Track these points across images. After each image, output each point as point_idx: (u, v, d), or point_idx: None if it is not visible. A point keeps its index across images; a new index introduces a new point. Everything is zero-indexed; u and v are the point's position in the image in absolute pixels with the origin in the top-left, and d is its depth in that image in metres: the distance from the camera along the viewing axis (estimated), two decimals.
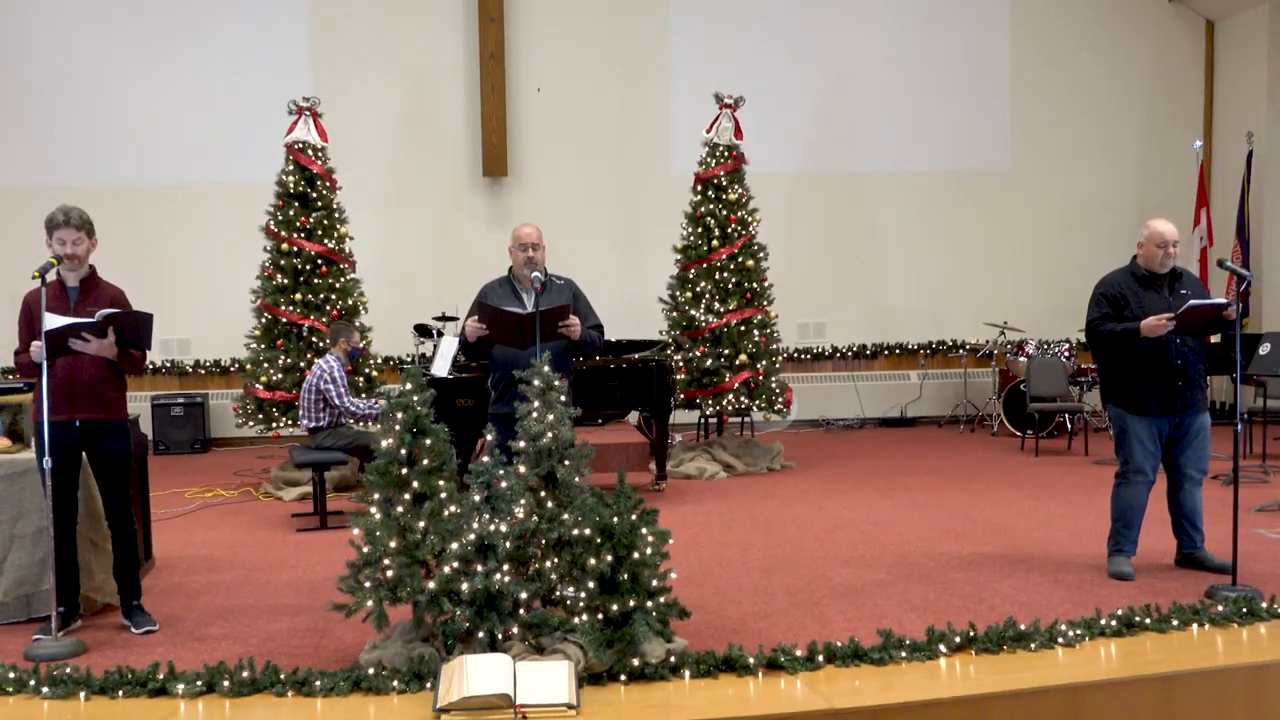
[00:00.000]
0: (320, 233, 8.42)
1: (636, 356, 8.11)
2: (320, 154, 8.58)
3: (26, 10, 10.48)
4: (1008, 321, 10.76)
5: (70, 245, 4.45)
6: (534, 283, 5.21)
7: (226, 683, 3.74)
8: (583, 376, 7.43)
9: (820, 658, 3.91)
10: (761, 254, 8.82)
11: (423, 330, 9.54)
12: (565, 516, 3.85)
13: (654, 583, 3.85)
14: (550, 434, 3.90)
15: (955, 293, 11.49)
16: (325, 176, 8.55)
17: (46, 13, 10.50)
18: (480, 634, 3.77)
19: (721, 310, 8.64)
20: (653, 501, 4.38)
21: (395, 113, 10.91)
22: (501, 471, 3.95)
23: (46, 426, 4.29)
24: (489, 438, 4.37)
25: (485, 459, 4.02)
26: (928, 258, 11.50)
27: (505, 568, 3.81)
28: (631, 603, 3.76)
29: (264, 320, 8.40)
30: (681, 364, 8.62)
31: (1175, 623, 4.28)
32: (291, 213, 8.40)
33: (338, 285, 8.43)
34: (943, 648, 4.00)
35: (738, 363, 8.59)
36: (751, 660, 3.86)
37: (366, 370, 8.50)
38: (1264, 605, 4.41)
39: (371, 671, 3.79)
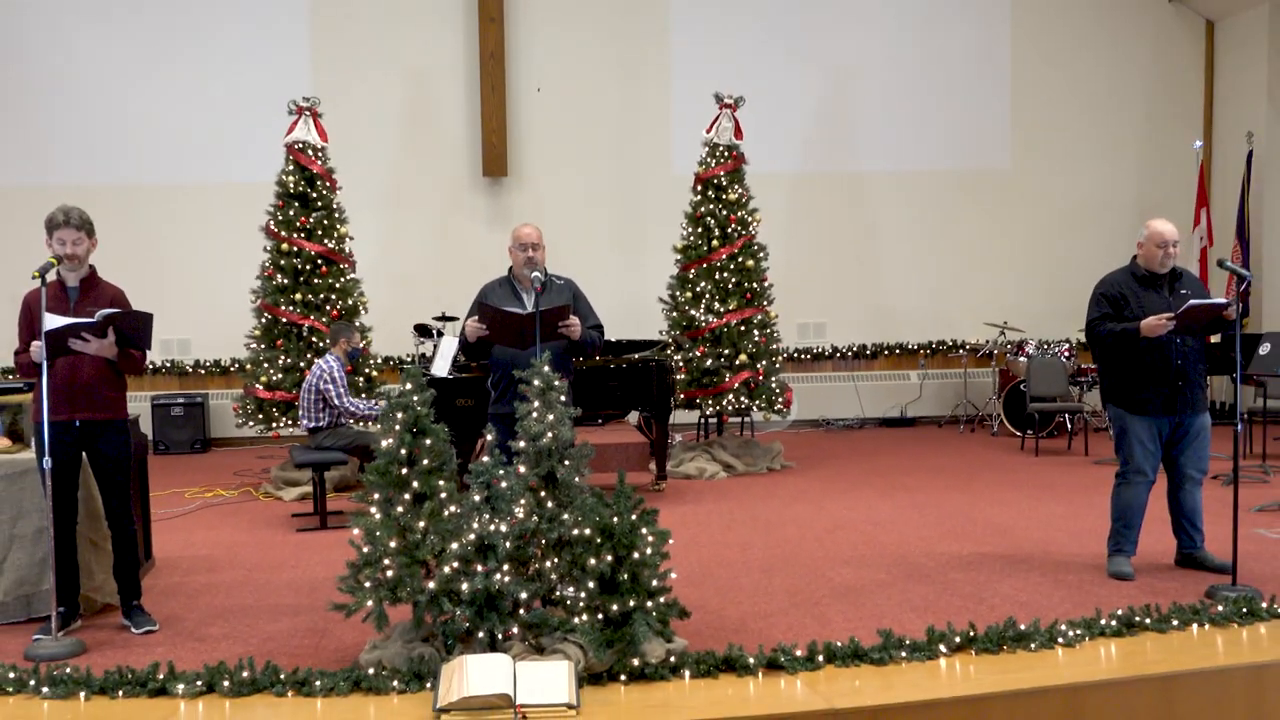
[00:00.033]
0: (320, 233, 8.42)
1: (636, 356, 8.11)
2: (320, 154, 8.58)
3: (26, 10, 10.48)
4: (1008, 321, 10.75)
5: (70, 245, 4.45)
6: (534, 283, 5.21)
7: (226, 683, 3.74)
8: (583, 376, 7.42)
9: (820, 658, 3.91)
10: (761, 254, 8.82)
11: (423, 330, 9.55)
12: (565, 516, 3.85)
13: (654, 583, 3.85)
14: (550, 434, 3.90)
15: (955, 293, 11.49)
16: (325, 176, 8.55)
17: (46, 13, 10.50)
18: (480, 634, 3.77)
19: (721, 310, 8.64)
20: (653, 501, 4.38)
21: (395, 113, 10.91)
22: (501, 471, 3.95)
23: (46, 426, 4.29)
24: (489, 438, 4.36)
25: (485, 459, 4.02)
26: (928, 258, 11.50)
27: (505, 568, 3.80)
28: (631, 603, 3.76)
29: (264, 320, 8.41)
30: (681, 364, 8.62)
31: (1175, 623, 4.28)
32: (291, 213, 8.41)
33: (338, 285, 8.44)
34: (943, 648, 4.00)
35: (738, 363, 8.59)
36: (751, 660, 3.86)
37: (366, 370, 8.50)
38: (1264, 605, 4.41)
39: (371, 671, 3.79)
